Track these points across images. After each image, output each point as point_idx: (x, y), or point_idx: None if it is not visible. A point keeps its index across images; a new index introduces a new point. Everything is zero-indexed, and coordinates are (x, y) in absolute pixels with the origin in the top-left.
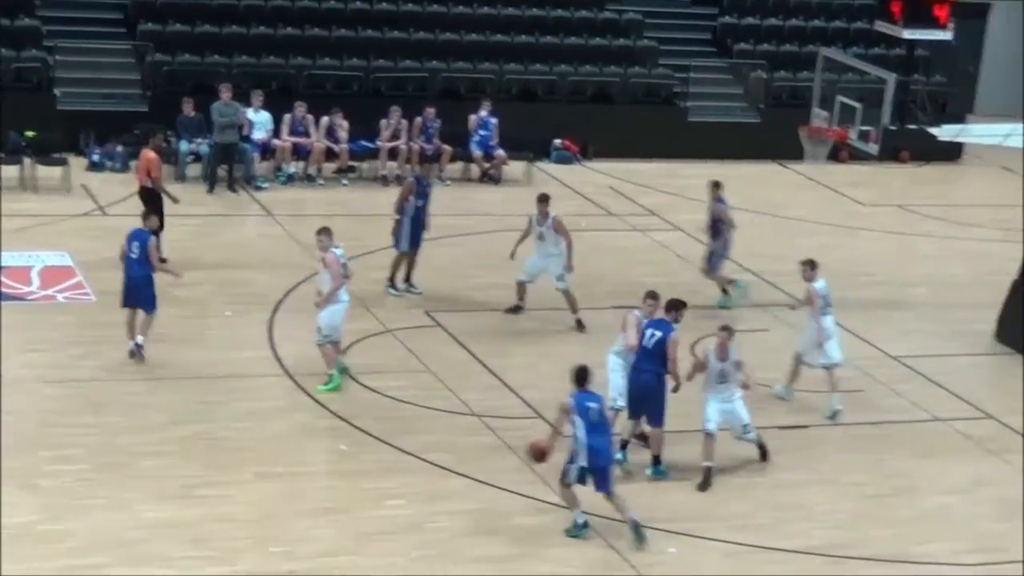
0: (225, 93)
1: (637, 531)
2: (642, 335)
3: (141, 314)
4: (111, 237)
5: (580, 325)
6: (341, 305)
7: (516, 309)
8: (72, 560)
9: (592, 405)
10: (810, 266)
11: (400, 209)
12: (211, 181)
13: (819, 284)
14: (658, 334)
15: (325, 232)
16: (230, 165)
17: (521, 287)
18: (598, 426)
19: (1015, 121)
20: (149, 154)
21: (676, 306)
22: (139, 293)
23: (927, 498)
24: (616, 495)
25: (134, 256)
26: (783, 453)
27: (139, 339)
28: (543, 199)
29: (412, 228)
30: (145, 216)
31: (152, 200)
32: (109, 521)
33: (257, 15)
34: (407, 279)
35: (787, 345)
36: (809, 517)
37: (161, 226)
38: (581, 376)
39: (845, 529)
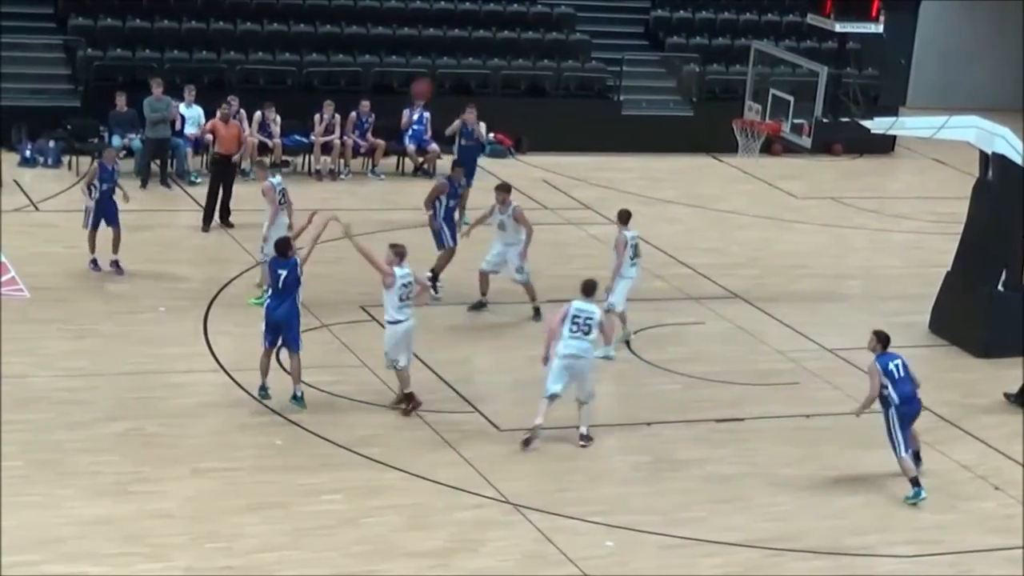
0: (157, 88)
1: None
2: None
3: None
4: (44, 233)
5: (537, 314)
6: (282, 227)
7: (479, 305)
8: (5, 558)
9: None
10: (620, 217)
11: (430, 206)
12: (143, 176)
13: (630, 234)
14: None
15: (259, 164)
16: (163, 160)
17: (484, 277)
18: None
19: (947, 113)
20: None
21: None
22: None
23: (862, 490)
24: None
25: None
26: (720, 446)
27: (112, 257)
28: (504, 188)
29: (450, 227)
30: (103, 151)
31: (213, 164)
32: (42, 518)
33: (188, 10)
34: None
35: (724, 338)
36: (746, 510)
37: (225, 189)
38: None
39: (782, 521)
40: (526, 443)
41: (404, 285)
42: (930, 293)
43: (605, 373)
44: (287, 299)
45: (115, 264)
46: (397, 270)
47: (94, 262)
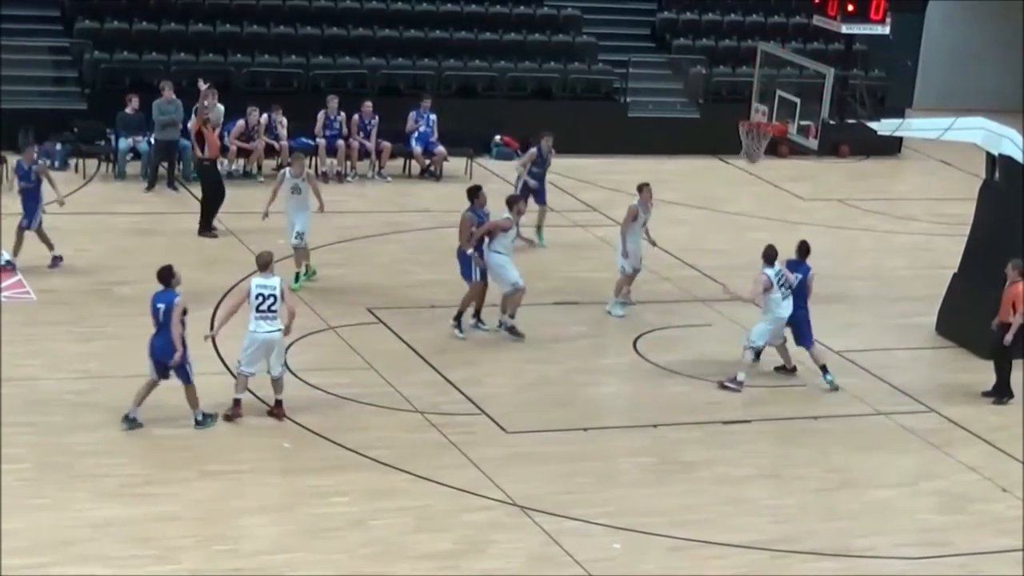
0: (168, 91)
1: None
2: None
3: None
4: (52, 236)
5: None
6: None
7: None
8: (14, 560)
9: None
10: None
11: (468, 240)
12: (151, 179)
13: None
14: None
15: (298, 159)
16: (170, 162)
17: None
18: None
19: (954, 115)
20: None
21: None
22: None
23: (870, 492)
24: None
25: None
26: (727, 448)
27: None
28: (516, 200)
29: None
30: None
31: (204, 171)
32: (51, 520)
33: (195, 13)
34: (476, 313)
35: (732, 339)
36: (753, 512)
37: (216, 196)
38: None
39: (788, 523)
40: (728, 383)
41: (258, 296)
42: (937, 294)
43: (612, 375)
44: (165, 335)
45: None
46: (254, 279)
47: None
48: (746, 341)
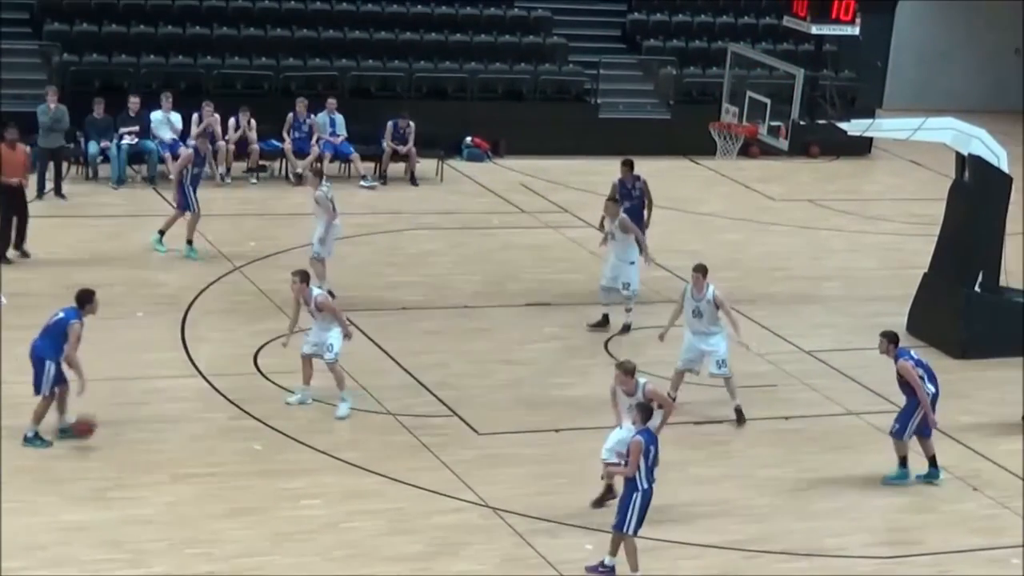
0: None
1: None
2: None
3: None
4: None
5: None
6: (337, 231)
7: None
8: None
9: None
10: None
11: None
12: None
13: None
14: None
15: (316, 171)
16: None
17: None
18: None
19: (923, 115)
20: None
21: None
22: None
23: (841, 491)
24: None
25: None
26: (698, 448)
27: None
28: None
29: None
30: None
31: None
32: (22, 525)
33: (164, 15)
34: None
35: None
36: (725, 512)
37: (20, 218)
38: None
39: (760, 523)
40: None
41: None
42: (908, 294)
43: (584, 377)
44: (45, 340)
45: None
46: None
47: None
48: (725, 370)
